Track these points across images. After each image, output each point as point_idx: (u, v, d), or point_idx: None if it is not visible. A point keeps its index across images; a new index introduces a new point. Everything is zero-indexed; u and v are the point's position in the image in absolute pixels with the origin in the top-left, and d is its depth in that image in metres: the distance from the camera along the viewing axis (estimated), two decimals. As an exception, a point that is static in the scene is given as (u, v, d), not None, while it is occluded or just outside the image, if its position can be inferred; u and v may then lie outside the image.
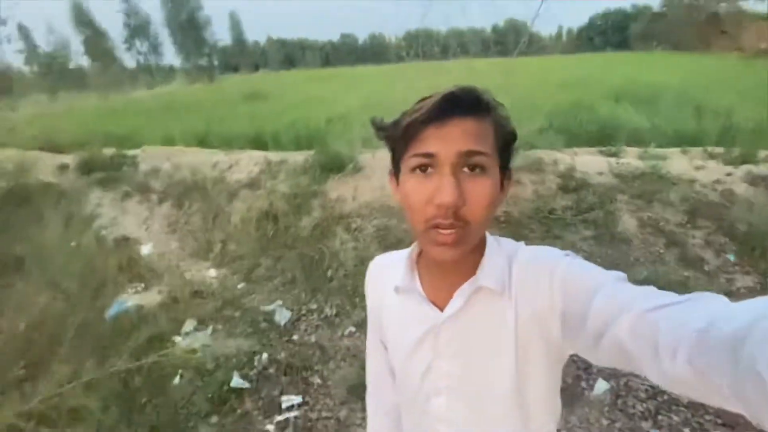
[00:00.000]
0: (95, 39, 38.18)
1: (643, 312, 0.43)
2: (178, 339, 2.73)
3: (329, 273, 3.52)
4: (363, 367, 0.85)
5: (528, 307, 0.55)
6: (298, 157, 5.45)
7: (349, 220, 3.98)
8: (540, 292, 0.54)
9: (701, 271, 3.11)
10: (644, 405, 2.08)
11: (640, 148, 4.86)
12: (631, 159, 4.45)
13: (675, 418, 2.00)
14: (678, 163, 4.22)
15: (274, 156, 5.57)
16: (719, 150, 4.62)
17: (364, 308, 1.61)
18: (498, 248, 0.60)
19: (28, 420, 1.35)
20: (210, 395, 2.23)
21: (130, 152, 6.89)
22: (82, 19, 37.67)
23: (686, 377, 0.37)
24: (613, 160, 4.34)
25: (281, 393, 2.29)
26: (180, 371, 2.40)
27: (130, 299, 3.22)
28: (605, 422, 2.02)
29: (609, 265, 3.20)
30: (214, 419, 2.13)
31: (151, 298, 3.24)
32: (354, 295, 3.13)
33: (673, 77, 10.84)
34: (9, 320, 2.82)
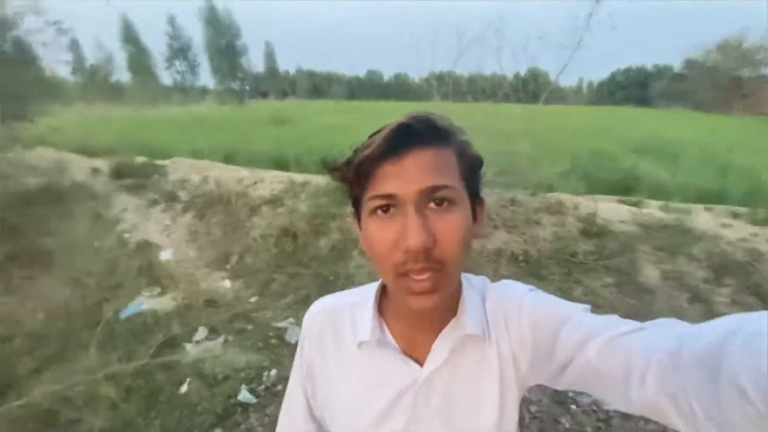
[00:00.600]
0: (138, 56, 40.79)
1: (612, 337, 0.42)
2: (189, 346, 2.72)
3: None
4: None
5: (505, 347, 0.52)
6: (320, 180, 5.58)
7: (366, 245, 4.00)
8: (512, 330, 0.52)
9: (727, 331, 2.99)
10: None
11: (662, 202, 4.84)
12: (653, 210, 4.42)
13: None
14: (702, 218, 4.18)
15: (297, 177, 5.72)
16: (743, 210, 4.57)
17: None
18: (471, 287, 0.55)
19: (55, 402, 1.36)
20: (216, 407, 2.20)
21: (160, 162, 7.17)
22: (130, 37, 40.46)
23: (656, 401, 0.37)
24: (635, 209, 4.32)
25: (287, 412, 2.24)
26: (188, 379, 2.37)
27: (146, 302, 3.24)
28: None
29: (631, 314, 3.13)
30: (218, 431, 2.08)
31: (165, 302, 3.26)
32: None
33: (696, 135, 10.91)
34: (30, 310, 2.87)
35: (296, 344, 0.64)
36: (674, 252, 3.64)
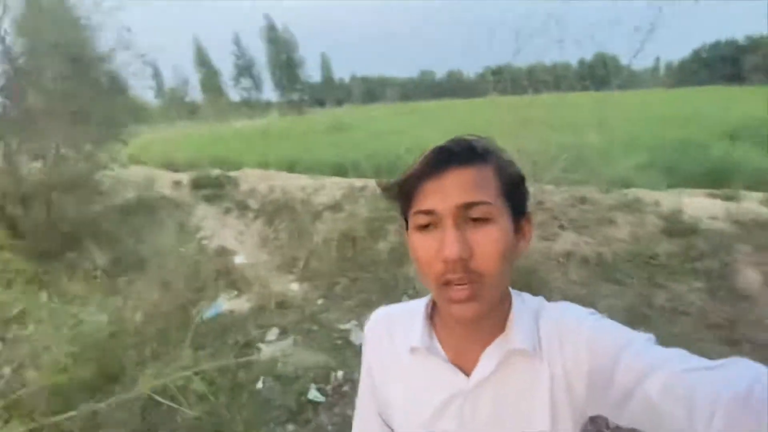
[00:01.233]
0: (210, 76, 44.78)
1: (678, 372, 0.41)
2: (262, 346, 2.92)
3: (404, 298, 3.53)
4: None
5: (558, 368, 0.51)
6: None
7: (426, 248, 4.00)
8: (567, 351, 0.51)
9: None
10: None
11: (765, 194, 4.22)
12: (752, 204, 3.88)
13: None
14: (819, 211, 3.58)
15: (356, 182, 5.88)
16: None
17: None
18: (523, 305, 0.56)
19: (157, 393, 1.55)
20: (288, 404, 2.33)
21: (232, 173, 7.79)
22: (202, 60, 44.56)
23: None
24: (730, 204, 3.82)
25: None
26: (263, 377, 2.55)
27: (225, 304, 3.54)
28: None
29: (726, 323, 2.77)
30: (290, 427, 2.21)
31: (241, 304, 3.53)
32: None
33: (806, 114, 9.34)
34: (130, 310, 3.28)
35: (360, 346, 0.69)
36: (782, 252, 3.16)
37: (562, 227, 3.92)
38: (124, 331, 2.86)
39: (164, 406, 1.73)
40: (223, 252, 4.56)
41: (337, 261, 4.13)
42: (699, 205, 3.84)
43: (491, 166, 0.49)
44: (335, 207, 5.06)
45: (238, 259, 4.40)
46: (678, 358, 0.43)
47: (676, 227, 3.53)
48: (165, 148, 12.73)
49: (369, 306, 3.47)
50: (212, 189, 6.61)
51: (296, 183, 6.07)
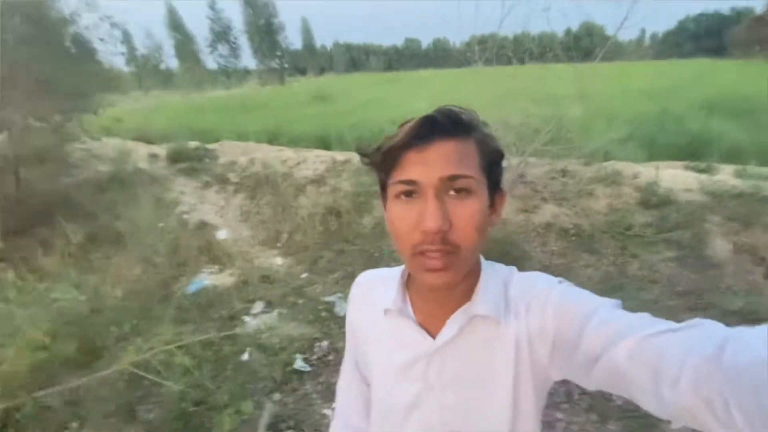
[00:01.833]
0: (184, 42, 42.39)
1: (644, 337, 0.42)
2: (247, 319, 2.94)
3: (387, 271, 3.58)
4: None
5: (523, 332, 0.53)
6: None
7: (409, 221, 4.02)
8: (533, 317, 0.53)
9: (811, 308, 2.71)
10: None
11: (738, 166, 4.36)
12: (726, 177, 4.00)
13: None
14: (786, 183, 3.73)
15: (339, 155, 5.79)
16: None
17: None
18: (493, 273, 0.57)
19: (140, 368, 1.55)
20: (274, 374, 2.38)
21: (210, 146, 7.54)
22: (175, 24, 42.01)
23: (690, 405, 0.36)
24: (704, 176, 3.94)
25: (339, 381, 2.37)
26: (249, 349, 2.58)
27: (208, 278, 3.52)
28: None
29: (695, 290, 2.91)
30: (277, 396, 2.27)
31: (224, 279, 3.52)
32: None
33: (781, 88, 9.54)
34: (109, 287, 3.22)
35: (344, 317, 0.73)
36: (749, 222, 3.30)
37: (543, 199, 3.98)
38: (105, 308, 2.83)
39: (148, 380, 1.73)
40: (204, 227, 4.49)
41: (321, 235, 4.12)
42: (675, 178, 3.95)
43: (474, 140, 0.49)
44: (318, 181, 4.99)
45: (221, 234, 4.34)
46: (643, 322, 0.44)
47: (652, 199, 3.64)
48: (139, 119, 12.18)
49: (353, 278, 3.49)
50: (190, 162, 6.40)
51: (278, 156, 5.93)
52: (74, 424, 2.03)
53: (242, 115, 12.07)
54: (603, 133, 4.74)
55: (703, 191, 3.68)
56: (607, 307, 0.48)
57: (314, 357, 2.57)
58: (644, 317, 0.46)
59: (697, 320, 0.41)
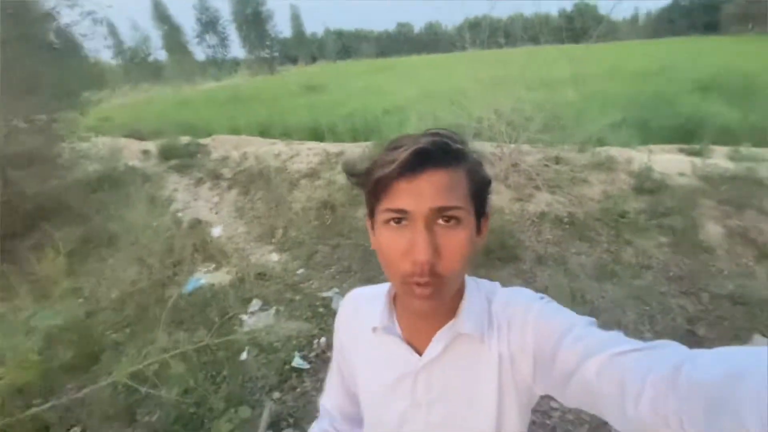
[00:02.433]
0: (171, 33, 41.50)
1: (611, 356, 0.43)
2: (244, 317, 2.94)
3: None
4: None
5: (505, 349, 0.55)
6: (355, 149, 5.57)
7: (404, 214, 4.01)
8: (514, 333, 0.54)
9: (801, 289, 2.75)
10: None
11: (731, 148, 4.36)
12: (719, 159, 4.01)
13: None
14: (778, 165, 3.74)
15: (332, 147, 5.74)
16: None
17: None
18: (477, 291, 0.59)
19: (136, 379, 1.56)
20: (273, 373, 2.40)
21: (202, 141, 7.45)
22: (161, 15, 41.05)
23: (648, 421, 0.38)
24: (697, 160, 3.94)
25: (338, 377, 2.39)
26: (247, 348, 2.59)
27: (203, 277, 3.51)
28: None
29: (687, 275, 2.94)
30: (276, 395, 2.29)
31: (220, 277, 3.51)
32: (408, 288, 3.16)
33: (775, 65, 9.49)
34: (104, 290, 3.21)
35: None
36: (742, 206, 3.32)
37: (537, 188, 3.98)
38: (101, 311, 2.82)
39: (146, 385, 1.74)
40: (198, 224, 4.46)
41: (316, 229, 4.11)
42: (668, 162, 3.95)
43: (464, 169, 0.50)
44: (312, 174, 4.96)
45: (216, 231, 4.32)
46: (614, 340, 0.46)
47: (646, 185, 3.64)
48: (129, 115, 12.00)
49: (349, 273, 3.51)
50: (182, 158, 6.34)
51: (270, 149, 5.87)
52: (77, 429, 2.06)
53: (233, 107, 11.90)
54: (596, 118, 4.72)
55: (696, 175, 3.69)
56: (581, 325, 0.50)
57: (312, 354, 2.58)
58: (616, 336, 0.47)
59: (663, 341, 0.43)
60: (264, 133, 8.31)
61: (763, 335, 2.38)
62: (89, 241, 3.95)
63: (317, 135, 7.64)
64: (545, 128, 3.98)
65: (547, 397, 0.55)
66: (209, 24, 43.77)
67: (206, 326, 2.66)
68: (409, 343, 0.59)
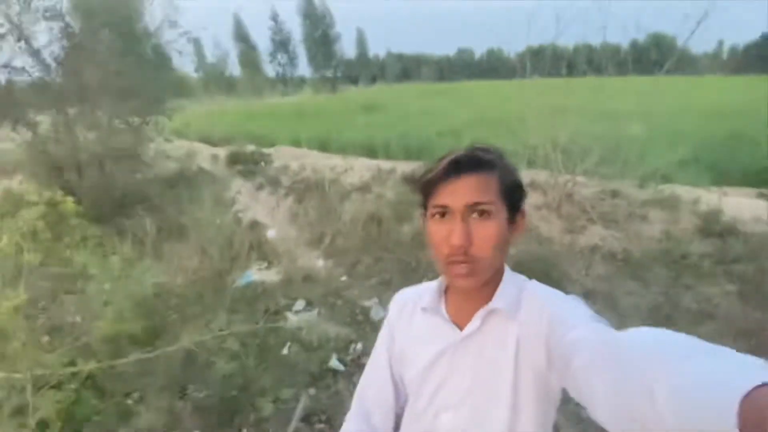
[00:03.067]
0: (247, 51, 45.31)
1: (576, 335, 0.52)
2: (289, 315, 3.13)
3: (422, 280, 3.63)
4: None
5: (526, 331, 0.62)
6: (406, 167, 5.73)
7: (449, 234, 4.05)
8: (532, 322, 0.62)
9: None
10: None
11: (821, 196, 3.94)
12: (804, 207, 3.64)
13: None
14: None
15: (384, 164, 5.95)
16: None
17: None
18: (512, 279, 0.69)
19: (200, 348, 1.76)
20: (311, 369, 2.52)
21: (266, 150, 8.04)
22: (240, 34, 45.05)
23: (575, 378, 0.47)
24: (777, 206, 3.62)
25: (370, 383, 2.46)
26: (289, 343, 2.75)
27: (256, 274, 3.78)
28: None
29: (756, 330, 2.69)
30: (312, 391, 2.40)
31: (271, 275, 3.76)
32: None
33: None
34: (171, 275, 3.57)
35: (379, 322, 0.87)
36: (828, 260, 2.99)
37: (591, 221, 3.85)
38: (168, 292, 3.14)
39: (198, 362, 1.94)
40: (256, 225, 4.81)
41: (362, 240, 4.27)
42: (742, 205, 3.66)
43: (495, 174, 0.62)
44: (363, 188, 5.17)
45: (270, 233, 4.63)
46: (597, 331, 0.52)
47: (713, 227, 3.40)
48: (204, 123, 13.21)
49: (389, 285, 3.60)
50: (247, 164, 6.88)
51: (327, 162, 6.22)
52: (135, 395, 2.31)
53: (296, 121, 12.70)
54: (663, 154, 4.49)
55: (774, 222, 3.38)
56: (588, 320, 0.56)
57: (348, 357, 2.68)
58: (603, 328, 0.53)
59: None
60: (322, 147, 8.78)
61: None
62: (162, 230, 4.42)
63: (372, 152, 7.94)
64: (604, 161, 3.87)
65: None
66: (282, 44, 47.32)
67: (255, 317, 2.87)
68: (454, 321, 0.70)
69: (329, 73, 46.29)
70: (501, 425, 0.64)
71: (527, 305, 0.65)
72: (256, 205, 5.41)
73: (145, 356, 1.66)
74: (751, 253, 3.16)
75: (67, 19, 4.97)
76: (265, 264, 3.99)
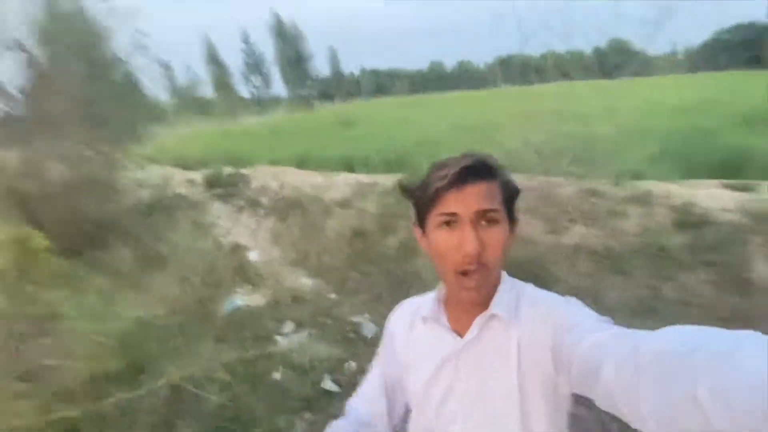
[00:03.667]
0: (220, 74, 45.14)
1: (592, 341, 0.50)
2: (278, 338, 3.04)
3: (410, 292, 3.61)
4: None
5: (528, 337, 0.62)
6: (386, 180, 5.75)
7: (435, 243, 4.06)
8: (537, 326, 0.62)
9: None
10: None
11: (781, 182, 4.15)
12: (765, 195, 3.82)
13: None
14: (836, 201, 3.52)
15: (365, 178, 5.95)
16: None
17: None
18: (510, 284, 0.69)
19: (187, 381, 1.67)
20: (305, 393, 2.45)
21: (244, 171, 7.93)
22: (212, 57, 44.90)
23: (616, 393, 0.42)
24: (743, 195, 3.78)
25: (367, 402, 2.40)
26: (280, 367, 2.67)
27: (240, 299, 3.68)
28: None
29: (733, 314, 2.78)
30: (307, 415, 2.33)
31: (257, 299, 3.66)
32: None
33: (829, 99, 9.01)
34: (151, 306, 3.43)
35: (371, 338, 0.87)
36: (796, 243, 3.13)
37: (572, 221, 3.93)
38: (149, 325, 3.01)
39: (186, 396, 1.85)
40: (238, 248, 4.70)
41: (348, 256, 4.23)
42: (712, 197, 3.81)
43: (498, 181, 0.63)
44: (345, 203, 5.15)
45: (253, 255, 4.54)
46: (600, 328, 0.53)
47: (688, 219, 3.52)
48: (178, 146, 12.94)
49: (380, 300, 3.56)
50: (225, 187, 6.76)
51: (307, 180, 6.17)
52: (120, 436, 2.17)
53: (273, 140, 12.61)
54: (633, 152, 4.66)
55: (742, 210, 3.53)
56: (593, 321, 0.56)
57: (343, 377, 2.62)
58: (607, 324, 0.54)
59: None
60: (301, 164, 8.71)
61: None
62: (140, 260, 4.26)
63: (351, 167, 7.94)
64: (577, 161, 3.99)
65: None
66: (254, 66, 47.37)
67: (243, 344, 2.78)
68: (455, 330, 0.69)
69: (304, 92, 46.51)
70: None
71: (527, 310, 0.65)
72: (236, 228, 5.30)
73: (129, 395, 1.57)
74: (725, 241, 3.28)
75: (32, 49, 4.83)
76: (250, 287, 3.89)
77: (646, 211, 3.74)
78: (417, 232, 0.70)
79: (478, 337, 0.66)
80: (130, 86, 6.79)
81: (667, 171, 4.38)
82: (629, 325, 0.51)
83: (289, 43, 45.07)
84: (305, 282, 3.97)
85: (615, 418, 0.44)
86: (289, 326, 3.19)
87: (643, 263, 3.33)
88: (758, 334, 0.35)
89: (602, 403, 0.48)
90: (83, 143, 5.25)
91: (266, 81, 48.02)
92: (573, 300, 0.64)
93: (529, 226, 4.06)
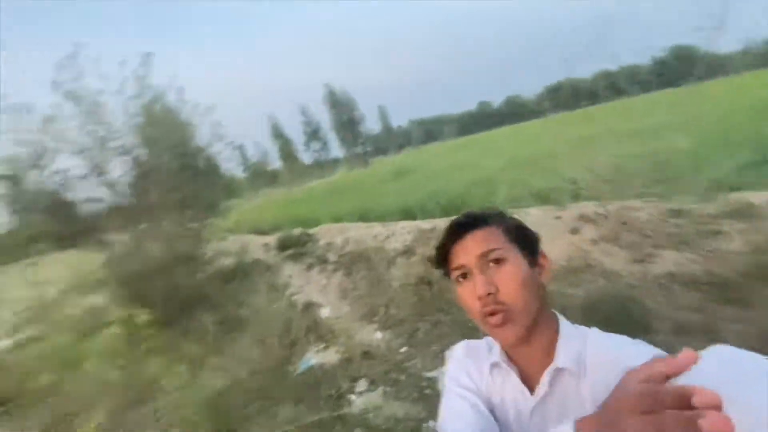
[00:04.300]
0: (285, 146, 50.07)
1: None
2: (353, 397, 3.00)
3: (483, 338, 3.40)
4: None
5: (600, 384, 0.56)
6: (445, 224, 5.71)
7: (504, 284, 3.86)
8: (608, 373, 0.55)
9: None
10: None
11: None
12: None
13: None
14: None
15: (424, 224, 5.98)
16: None
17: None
18: (571, 332, 0.66)
19: None
20: (384, 457, 2.34)
21: (311, 230, 8.42)
22: (276, 132, 50.21)
23: None
24: None
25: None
26: (357, 430, 2.61)
27: (314, 357, 3.74)
28: None
29: None
30: (389, 482, 2.21)
31: (330, 356, 3.70)
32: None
33: None
34: (234, 368, 3.62)
35: None
36: None
37: (657, 246, 3.53)
38: (233, 389, 3.17)
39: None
40: (310, 306, 4.87)
41: (416, 306, 4.16)
42: (834, 200, 3.22)
43: (495, 224, 0.67)
44: (407, 251, 5.17)
45: (324, 312, 4.66)
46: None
47: (807, 230, 2.99)
48: (253, 215, 14.26)
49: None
50: (295, 248, 7.19)
51: (368, 232, 6.36)
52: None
53: (335, 198, 13.37)
54: (720, 162, 4.16)
55: None
56: None
57: (422, 438, 2.48)
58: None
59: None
60: (362, 218, 9.06)
61: None
62: (223, 324, 4.59)
63: (409, 214, 8.05)
64: (652, 180, 3.65)
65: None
66: (313, 133, 51.96)
67: (318, 404, 2.78)
68: (524, 382, 0.67)
69: (359, 150, 49.51)
70: None
71: (595, 357, 0.61)
72: (308, 286, 5.53)
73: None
74: None
75: (135, 150, 5.83)
76: (324, 344, 3.95)
77: (750, 226, 3.25)
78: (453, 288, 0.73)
79: (549, 393, 0.64)
80: (211, 169, 7.79)
81: (765, 178, 3.81)
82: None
83: (342, 109, 49.10)
84: (376, 336, 3.94)
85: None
86: (362, 384, 3.14)
87: (761, 287, 2.83)
88: None
89: None
90: (176, 223, 6.04)
91: (325, 145, 52.17)
92: (642, 343, 0.60)
93: (608, 256, 3.72)
